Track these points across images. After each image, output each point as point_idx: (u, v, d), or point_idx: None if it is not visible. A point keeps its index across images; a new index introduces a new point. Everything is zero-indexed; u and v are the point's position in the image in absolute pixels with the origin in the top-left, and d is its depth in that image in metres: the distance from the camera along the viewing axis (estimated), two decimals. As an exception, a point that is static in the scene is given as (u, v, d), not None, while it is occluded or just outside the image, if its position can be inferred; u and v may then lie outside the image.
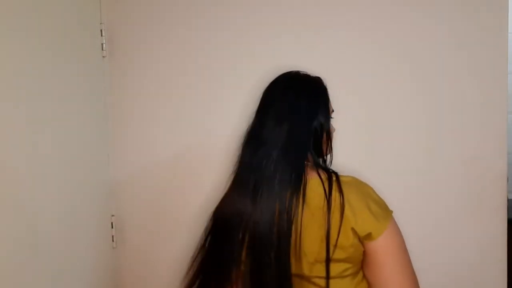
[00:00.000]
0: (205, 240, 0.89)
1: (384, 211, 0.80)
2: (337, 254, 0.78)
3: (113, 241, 1.38)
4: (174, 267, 1.36)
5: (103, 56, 1.34)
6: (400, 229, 0.82)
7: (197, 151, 1.30)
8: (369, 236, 0.77)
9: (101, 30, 1.33)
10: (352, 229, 0.78)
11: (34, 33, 1.04)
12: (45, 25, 1.08)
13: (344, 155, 1.16)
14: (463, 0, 1.09)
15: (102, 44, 1.34)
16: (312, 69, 0.98)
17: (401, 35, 1.13)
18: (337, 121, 1.16)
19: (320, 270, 0.79)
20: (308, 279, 0.81)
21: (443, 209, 1.12)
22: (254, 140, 0.86)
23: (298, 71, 0.93)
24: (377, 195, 0.83)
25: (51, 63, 1.10)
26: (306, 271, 0.80)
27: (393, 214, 0.81)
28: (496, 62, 1.08)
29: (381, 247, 0.78)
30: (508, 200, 1.14)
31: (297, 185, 0.80)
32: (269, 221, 0.79)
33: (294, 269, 0.79)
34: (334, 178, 0.81)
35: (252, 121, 0.89)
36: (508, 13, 1.07)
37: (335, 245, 0.78)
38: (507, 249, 1.11)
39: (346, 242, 0.78)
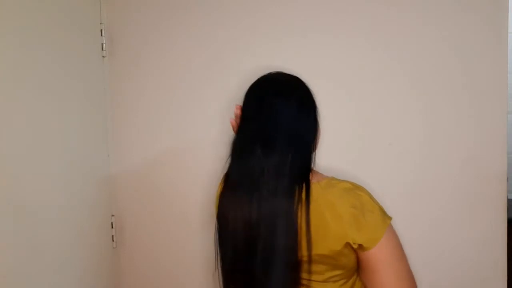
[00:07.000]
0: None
1: (379, 220, 0.77)
2: (316, 260, 0.79)
3: (113, 241, 1.38)
4: (174, 267, 1.37)
5: (103, 56, 1.34)
6: (400, 230, 0.81)
7: (198, 151, 1.30)
8: (361, 247, 0.76)
9: (101, 30, 1.33)
10: (337, 238, 0.77)
11: (34, 33, 1.04)
12: (45, 25, 1.08)
13: (342, 157, 1.17)
14: (463, 0, 1.09)
15: (102, 44, 1.34)
16: (304, 70, 0.99)
17: (400, 34, 1.13)
18: (334, 124, 1.16)
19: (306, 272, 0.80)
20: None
21: (443, 209, 1.12)
22: (251, 140, 0.81)
23: (278, 71, 0.89)
24: (373, 202, 0.80)
25: (51, 63, 1.10)
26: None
27: (393, 218, 0.80)
28: (496, 62, 1.08)
29: (374, 256, 0.76)
30: (508, 200, 1.14)
31: (300, 188, 0.78)
32: (271, 223, 0.77)
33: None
34: (317, 185, 0.80)
35: (243, 122, 0.85)
36: (508, 13, 1.08)
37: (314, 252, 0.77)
38: (507, 249, 1.11)
39: (324, 250, 0.77)
